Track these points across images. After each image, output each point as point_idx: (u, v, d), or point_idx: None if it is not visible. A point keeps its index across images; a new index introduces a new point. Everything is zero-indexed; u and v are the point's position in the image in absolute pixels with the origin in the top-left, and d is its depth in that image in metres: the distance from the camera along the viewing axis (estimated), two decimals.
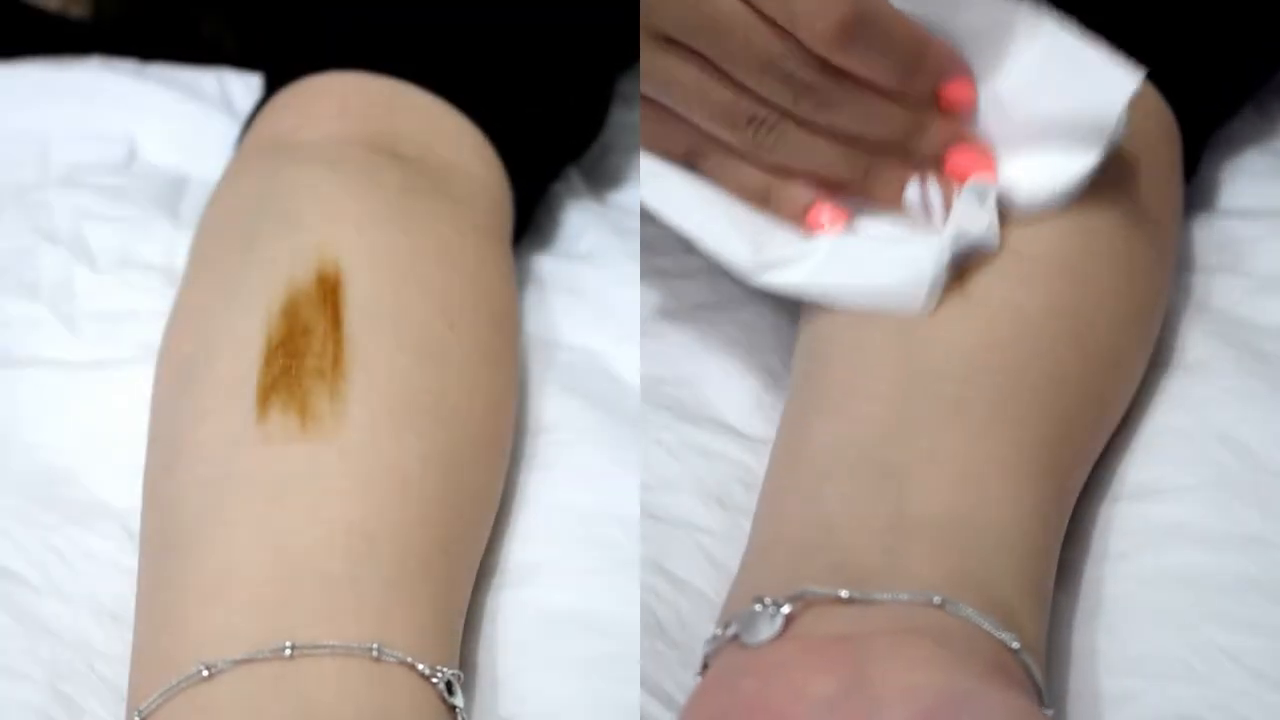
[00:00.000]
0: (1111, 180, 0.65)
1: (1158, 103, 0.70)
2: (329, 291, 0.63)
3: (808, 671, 0.52)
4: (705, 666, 0.56)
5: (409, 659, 0.56)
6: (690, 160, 0.66)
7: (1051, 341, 0.61)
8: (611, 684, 0.60)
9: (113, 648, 0.62)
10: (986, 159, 0.65)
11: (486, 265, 0.69)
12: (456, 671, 0.57)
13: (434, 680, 0.56)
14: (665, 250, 0.76)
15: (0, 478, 0.68)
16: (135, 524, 0.64)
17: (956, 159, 0.65)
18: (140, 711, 0.55)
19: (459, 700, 0.56)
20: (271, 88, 0.74)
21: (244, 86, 0.85)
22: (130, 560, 0.63)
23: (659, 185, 0.66)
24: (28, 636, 0.62)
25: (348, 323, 0.63)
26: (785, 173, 0.65)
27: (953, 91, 0.64)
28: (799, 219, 0.65)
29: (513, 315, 0.69)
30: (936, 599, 0.54)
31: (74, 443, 0.69)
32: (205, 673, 0.54)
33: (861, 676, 0.51)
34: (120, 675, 0.60)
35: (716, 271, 0.74)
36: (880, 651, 0.52)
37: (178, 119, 0.84)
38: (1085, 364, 0.62)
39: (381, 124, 0.71)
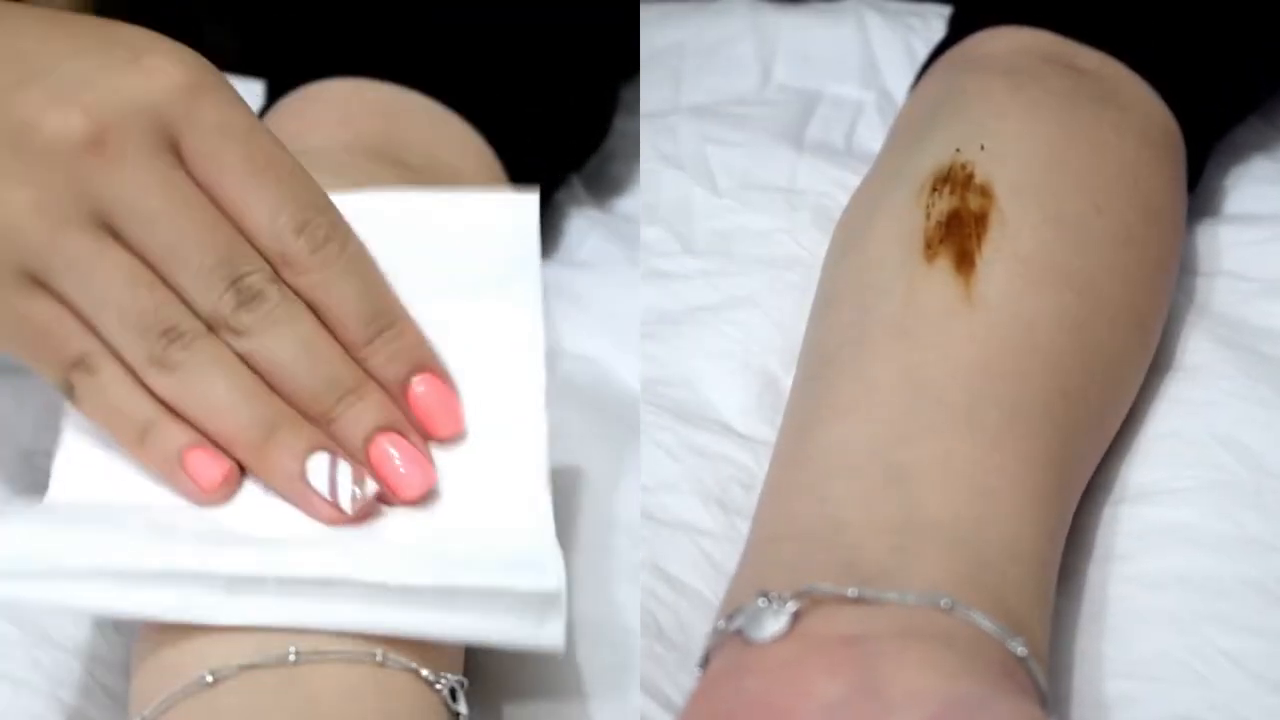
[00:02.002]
0: (1116, 190, 0.65)
1: (1162, 112, 0.70)
2: None
3: (814, 672, 0.51)
4: (706, 660, 0.55)
5: (413, 665, 0.55)
6: (71, 378, 0.56)
7: (1059, 355, 0.61)
8: (611, 690, 0.61)
9: (113, 655, 0.62)
10: (424, 465, 0.57)
11: None
12: (460, 678, 0.57)
13: (438, 686, 0.56)
14: (665, 252, 0.76)
15: (1, 483, 0.67)
16: None
17: (385, 448, 0.57)
18: (143, 717, 0.55)
19: (462, 707, 0.56)
20: (274, 94, 0.74)
21: (246, 93, 0.84)
22: None
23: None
24: (29, 644, 0.62)
25: None
26: (175, 409, 0.56)
27: (427, 383, 0.58)
28: (173, 465, 0.56)
29: None
30: (945, 602, 0.53)
31: None
32: (209, 679, 0.54)
33: (869, 679, 0.51)
34: (120, 683, 0.60)
35: (716, 273, 0.74)
36: (888, 654, 0.51)
37: None
38: (1089, 377, 0.62)
39: (384, 131, 0.71)
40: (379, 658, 0.55)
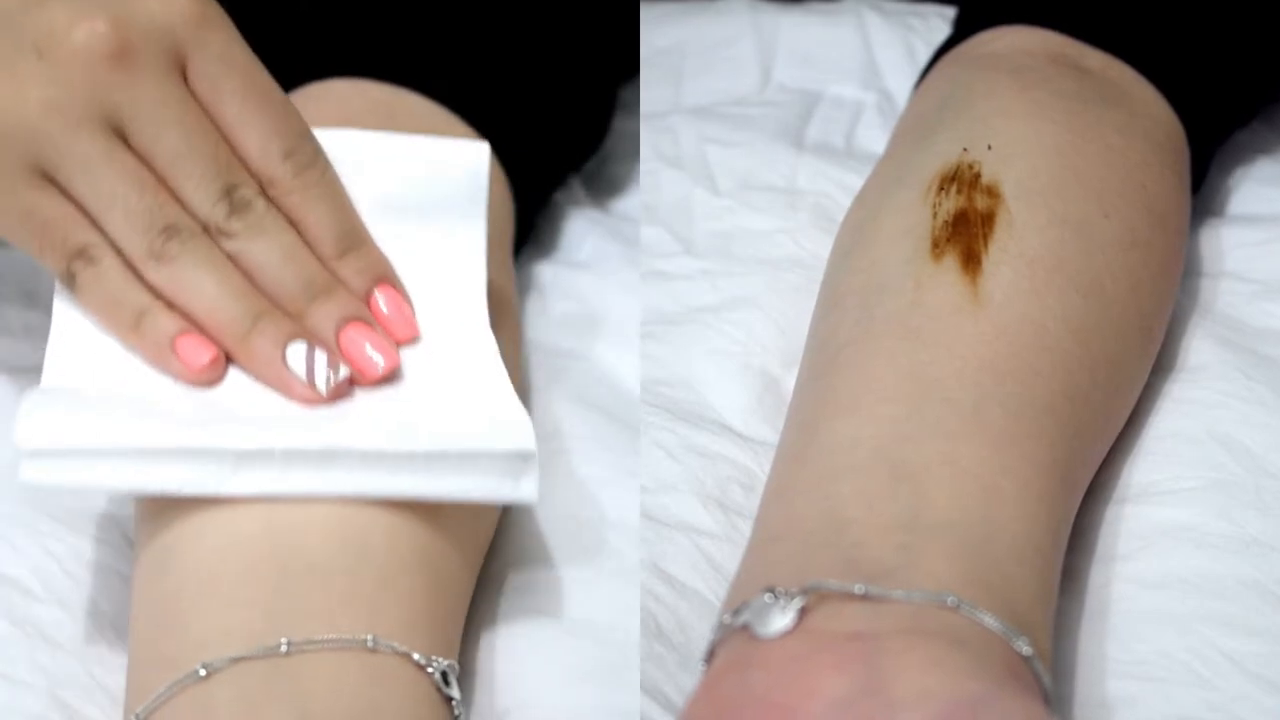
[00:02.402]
0: (1123, 192, 0.65)
1: (1167, 113, 0.70)
2: None
3: (821, 669, 0.51)
4: (710, 654, 0.55)
5: (403, 649, 0.56)
6: (73, 267, 0.60)
7: (1065, 358, 0.61)
8: (611, 690, 0.60)
9: (112, 654, 0.62)
10: (388, 349, 0.62)
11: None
12: (452, 662, 0.57)
13: (430, 670, 0.56)
14: (665, 253, 0.76)
15: (0, 485, 0.67)
16: (133, 530, 0.64)
17: (353, 336, 0.61)
18: (138, 714, 0.55)
19: (455, 691, 0.56)
20: None
21: None
22: (129, 567, 0.63)
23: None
24: (28, 644, 0.62)
25: None
26: (168, 300, 0.60)
27: (386, 293, 0.63)
28: (165, 350, 0.60)
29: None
30: (951, 600, 0.53)
31: None
32: (202, 672, 0.54)
33: (876, 677, 0.51)
34: (119, 682, 0.60)
35: (716, 273, 0.74)
36: (894, 652, 0.51)
37: None
38: (1094, 380, 0.62)
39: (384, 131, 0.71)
40: (370, 644, 0.55)
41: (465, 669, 0.61)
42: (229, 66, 0.61)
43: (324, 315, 0.61)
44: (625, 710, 0.59)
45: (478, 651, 0.62)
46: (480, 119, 0.73)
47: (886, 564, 0.54)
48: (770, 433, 0.68)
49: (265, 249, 0.61)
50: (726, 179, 0.80)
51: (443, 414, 0.60)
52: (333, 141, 0.64)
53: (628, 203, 0.83)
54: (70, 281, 0.61)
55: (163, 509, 0.60)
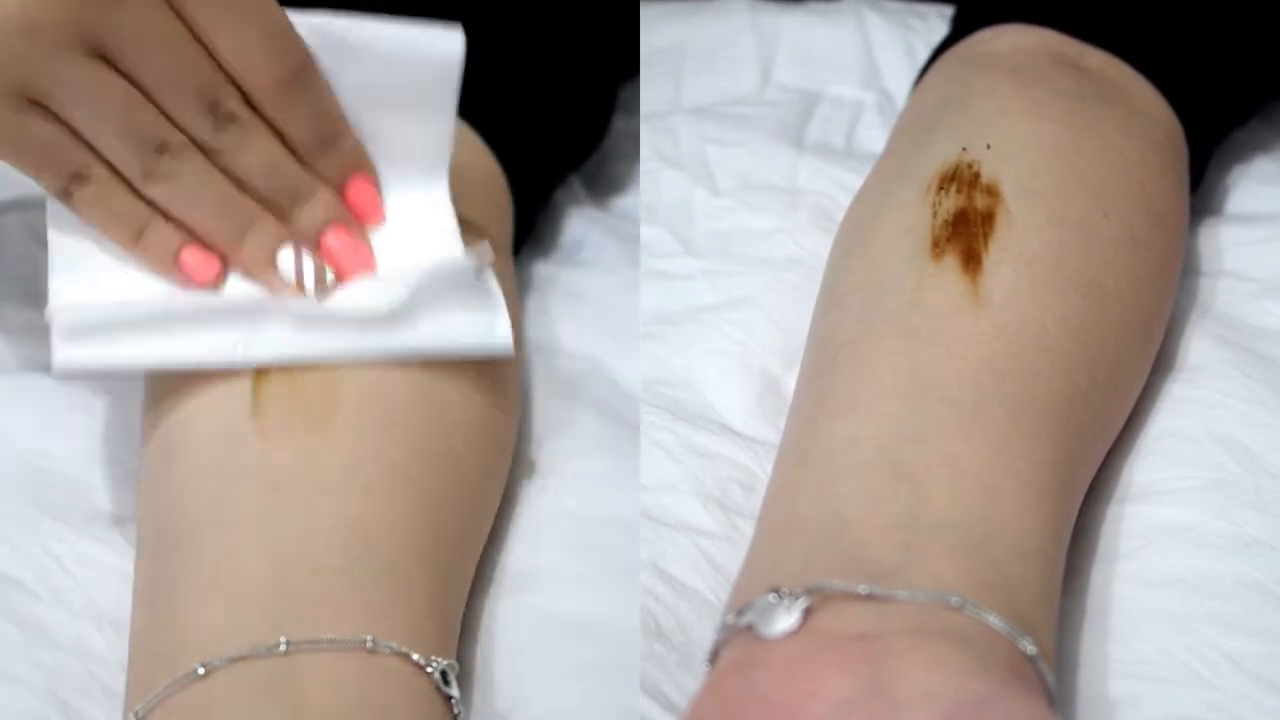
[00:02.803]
0: (1122, 192, 0.65)
1: (1166, 112, 0.70)
2: None
3: (825, 669, 0.51)
4: (715, 654, 0.55)
5: (403, 649, 0.56)
6: (70, 187, 0.62)
7: (1064, 357, 0.61)
8: (611, 690, 0.60)
9: (112, 654, 0.62)
10: (363, 250, 0.65)
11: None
12: (451, 662, 0.57)
13: (429, 670, 0.56)
14: (665, 252, 0.76)
15: (1, 484, 0.67)
16: (134, 531, 0.64)
17: (332, 240, 0.65)
18: (137, 712, 0.55)
19: (454, 690, 0.56)
20: None
21: None
22: (129, 566, 0.64)
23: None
24: (27, 642, 0.62)
25: None
26: (164, 212, 0.63)
27: (360, 188, 0.66)
28: (168, 261, 0.63)
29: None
30: (955, 600, 0.53)
31: (74, 450, 0.69)
32: (201, 671, 0.54)
33: (880, 678, 0.51)
34: (119, 682, 0.60)
35: (716, 273, 0.74)
36: (899, 652, 0.51)
37: None
38: (1094, 379, 0.62)
39: None
40: (369, 644, 0.55)
41: (464, 667, 0.61)
42: None
43: (308, 220, 0.64)
44: (625, 709, 0.59)
45: (476, 650, 0.62)
46: (481, 118, 0.73)
47: (889, 564, 0.54)
48: (770, 432, 0.68)
49: (250, 160, 0.63)
50: (726, 179, 0.80)
51: (415, 285, 0.64)
52: (311, 29, 0.65)
53: (628, 202, 0.83)
54: (68, 199, 0.63)
55: (165, 504, 0.60)
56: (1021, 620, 0.54)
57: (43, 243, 0.76)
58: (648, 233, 0.77)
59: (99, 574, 0.65)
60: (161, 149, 0.62)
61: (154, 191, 0.62)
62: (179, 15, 0.61)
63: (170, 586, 0.58)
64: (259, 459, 0.59)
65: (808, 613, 0.53)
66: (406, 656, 0.56)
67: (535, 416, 0.71)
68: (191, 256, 0.63)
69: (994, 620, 0.53)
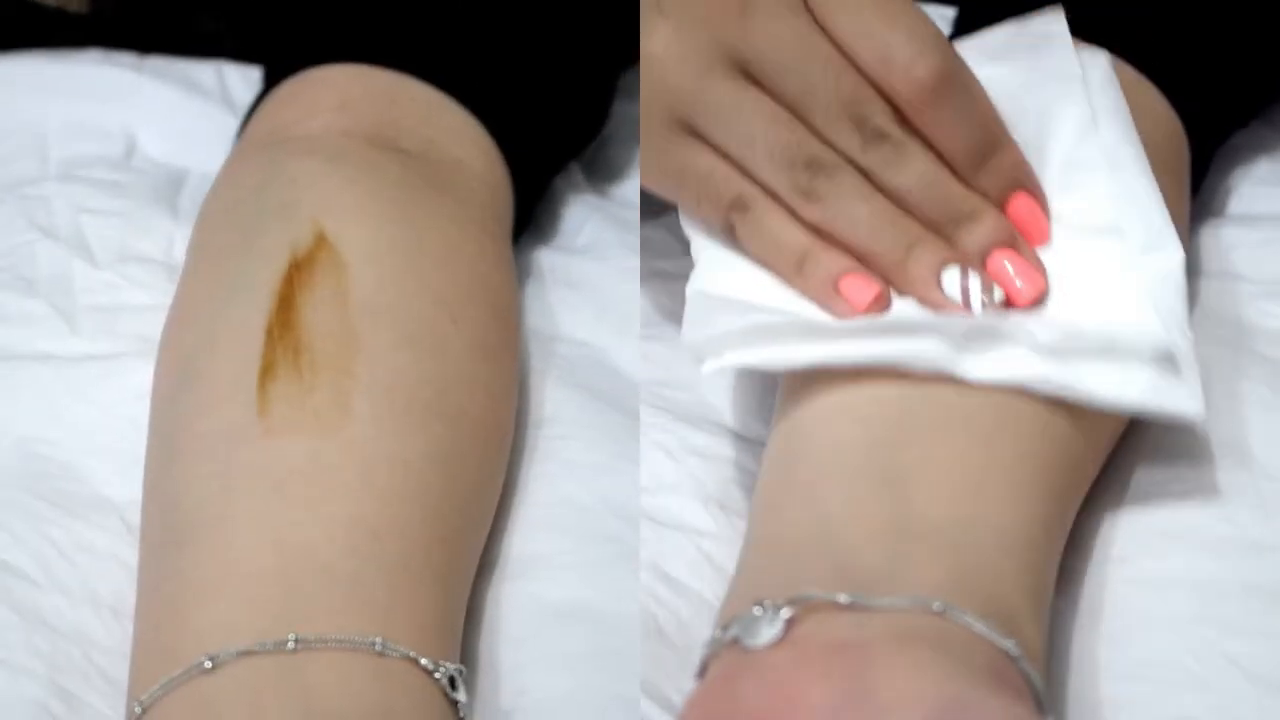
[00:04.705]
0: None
1: (1167, 113, 0.70)
2: (331, 285, 0.63)
3: (808, 678, 0.52)
4: (703, 669, 0.55)
5: (412, 654, 0.56)
6: (730, 217, 0.63)
7: None
8: (610, 677, 0.61)
9: (112, 641, 0.62)
10: (1036, 275, 0.62)
11: (487, 260, 0.69)
12: (459, 666, 0.57)
13: (436, 675, 0.56)
14: (666, 252, 0.76)
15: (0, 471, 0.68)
16: (134, 517, 0.64)
17: (1002, 263, 0.62)
18: (141, 702, 0.55)
19: (461, 695, 0.56)
20: (271, 81, 0.74)
21: (242, 80, 0.85)
22: (129, 554, 0.63)
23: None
24: (27, 630, 0.62)
25: (349, 316, 0.63)
26: (826, 236, 0.62)
27: (1023, 205, 0.63)
28: (829, 289, 0.62)
29: (513, 311, 0.69)
30: (937, 605, 0.53)
31: (73, 437, 0.69)
32: (208, 664, 0.54)
33: (862, 685, 0.51)
34: (119, 669, 0.60)
35: None
36: (881, 659, 0.52)
37: (176, 113, 0.84)
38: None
39: (382, 118, 0.71)
40: (378, 646, 0.55)
41: (465, 655, 0.61)
42: None
43: (971, 241, 0.62)
44: (623, 696, 0.60)
45: (478, 639, 0.62)
46: (480, 105, 0.73)
47: (874, 570, 0.55)
48: None
49: (904, 179, 0.61)
50: None
51: (1092, 315, 0.61)
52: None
53: (627, 188, 0.83)
54: (730, 232, 0.63)
55: (171, 502, 0.60)
56: (1006, 620, 0.54)
57: (42, 230, 0.77)
58: (649, 233, 0.77)
59: (98, 561, 0.65)
60: (814, 167, 0.61)
61: (810, 212, 0.62)
62: (818, 23, 0.61)
63: (176, 581, 0.58)
64: (265, 457, 0.59)
65: (791, 623, 0.54)
66: (414, 661, 0.56)
67: (534, 403, 0.71)
68: (852, 283, 0.62)
69: (976, 623, 0.53)
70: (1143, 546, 0.62)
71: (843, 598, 0.54)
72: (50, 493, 0.67)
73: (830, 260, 0.62)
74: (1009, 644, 0.53)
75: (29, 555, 0.64)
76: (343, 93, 0.72)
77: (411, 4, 0.74)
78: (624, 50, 0.76)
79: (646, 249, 0.76)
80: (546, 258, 0.78)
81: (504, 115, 0.73)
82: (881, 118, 0.61)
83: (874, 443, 0.58)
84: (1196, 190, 0.72)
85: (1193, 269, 0.73)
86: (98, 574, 0.64)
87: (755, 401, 0.69)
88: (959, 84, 0.61)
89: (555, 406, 0.71)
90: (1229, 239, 0.74)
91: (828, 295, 0.62)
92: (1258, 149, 0.79)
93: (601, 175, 0.84)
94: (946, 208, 0.62)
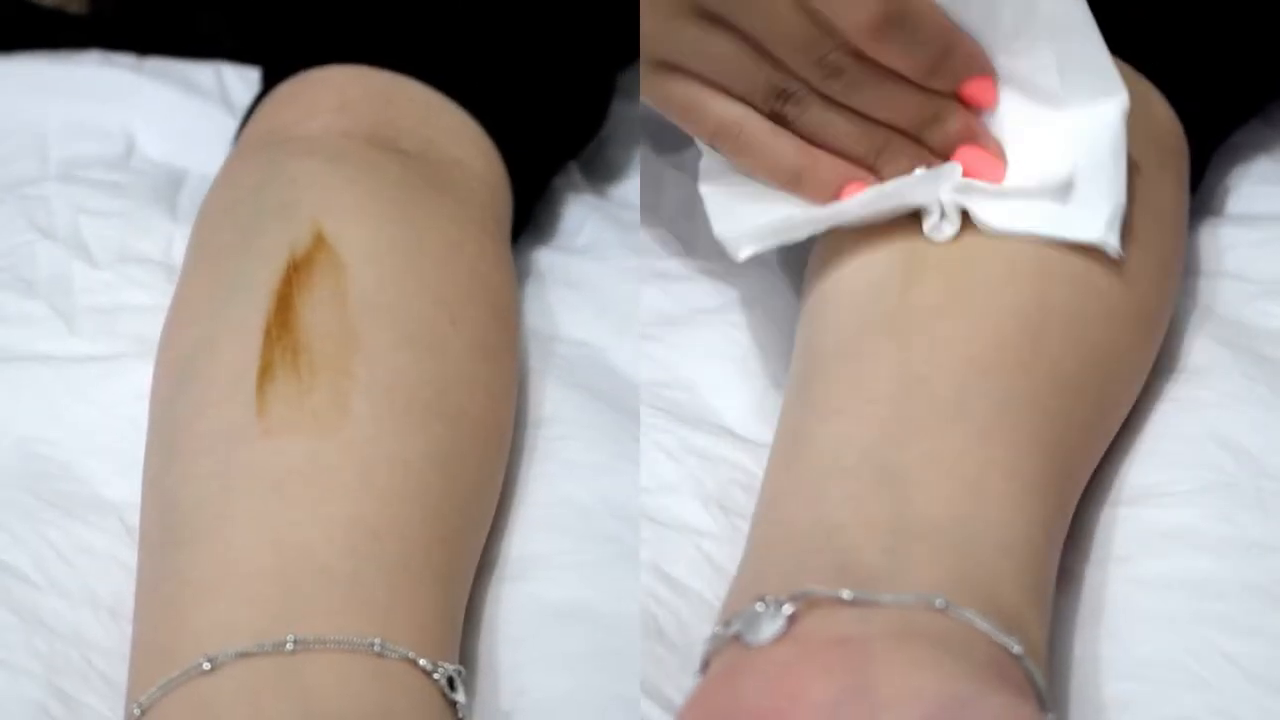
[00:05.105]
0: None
1: (1166, 112, 0.70)
2: (329, 285, 0.63)
3: (809, 674, 0.52)
4: (705, 665, 0.55)
5: (411, 655, 0.56)
6: (717, 138, 0.67)
7: (1049, 343, 0.61)
8: (610, 677, 0.61)
9: (110, 642, 0.62)
10: (996, 163, 0.66)
11: (487, 259, 0.69)
12: (458, 667, 0.57)
13: (435, 676, 0.56)
14: (666, 253, 0.76)
15: None
16: (133, 519, 0.64)
17: (967, 156, 0.66)
18: (140, 704, 0.55)
19: (460, 696, 0.56)
20: (270, 81, 0.74)
21: (241, 80, 0.85)
22: (128, 555, 0.63)
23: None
24: (25, 631, 0.62)
25: (348, 316, 0.63)
26: (811, 147, 0.66)
27: (974, 88, 0.66)
28: (828, 196, 0.66)
29: (512, 310, 0.69)
30: (939, 602, 0.53)
31: (72, 437, 0.69)
32: (207, 665, 0.54)
33: (863, 681, 0.51)
34: (118, 670, 0.60)
35: (717, 275, 0.74)
36: (882, 655, 0.52)
37: (175, 113, 0.84)
38: (1082, 365, 0.62)
39: (381, 118, 0.71)
40: (377, 647, 0.55)
41: (464, 655, 0.61)
42: None
43: (938, 138, 0.66)
44: (622, 696, 0.60)
45: (478, 639, 0.62)
46: (478, 106, 0.73)
47: (874, 568, 0.55)
48: (771, 435, 0.68)
49: (864, 97, 0.65)
50: None
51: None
52: None
53: (626, 188, 0.83)
54: (720, 150, 0.67)
55: (169, 502, 0.60)
56: (1007, 617, 0.54)
57: (41, 231, 0.77)
58: (649, 233, 0.77)
59: (97, 562, 0.65)
60: (783, 96, 0.65)
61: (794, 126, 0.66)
62: None
63: (175, 581, 0.58)
64: (264, 457, 0.59)
65: (793, 619, 0.54)
66: (413, 662, 0.56)
67: (533, 403, 0.71)
68: (853, 191, 0.66)
69: (978, 620, 0.53)
70: (1143, 546, 0.62)
71: (846, 593, 0.54)
72: (50, 493, 0.67)
73: (828, 170, 0.66)
74: (1010, 640, 0.53)
75: (28, 556, 0.64)
76: (342, 93, 0.72)
77: (410, 4, 0.74)
78: (623, 49, 0.77)
79: (646, 249, 0.76)
80: (546, 257, 0.78)
81: (503, 115, 0.73)
82: (835, 54, 0.64)
83: (873, 440, 0.58)
84: (1195, 189, 0.72)
85: (1193, 268, 0.73)
86: (97, 575, 0.64)
87: (756, 402, 0.70)
88: (900, 18, 0.64)
89: (555, 406, 0.71)
90: (1228, 238, 0.75)
91: (827, 200, 0.66)
92: (1257, 148, 0.79)
93: (601, 175, 0.84)
94: (908, 115, 0.66)
